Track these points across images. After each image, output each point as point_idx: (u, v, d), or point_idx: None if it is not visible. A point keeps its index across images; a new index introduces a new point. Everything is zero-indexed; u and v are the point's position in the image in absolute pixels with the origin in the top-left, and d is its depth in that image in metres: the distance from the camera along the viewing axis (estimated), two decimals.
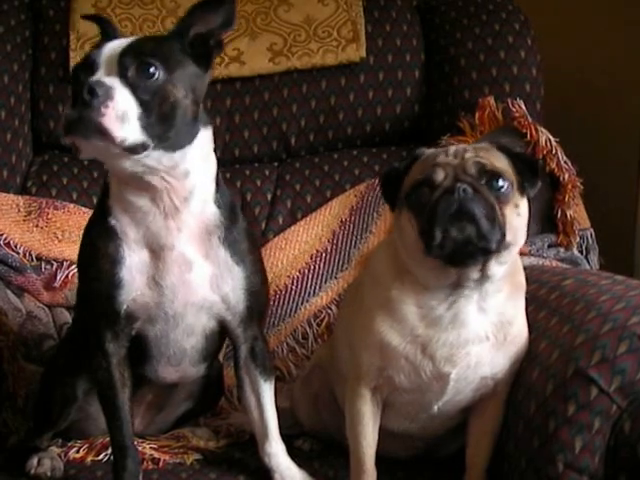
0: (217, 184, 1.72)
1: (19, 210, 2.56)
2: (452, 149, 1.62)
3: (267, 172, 2.79)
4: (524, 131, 2.46)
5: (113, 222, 1.67)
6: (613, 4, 3.08)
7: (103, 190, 1.73)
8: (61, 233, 2.54)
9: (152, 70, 1.55)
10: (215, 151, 1.73)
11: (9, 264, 2.42)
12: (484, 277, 1.58)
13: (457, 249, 1.53)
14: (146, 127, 1.52)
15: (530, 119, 2.48)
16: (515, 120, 2.50)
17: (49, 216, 2.56)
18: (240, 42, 2.76)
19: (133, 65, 1.54)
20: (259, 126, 2.80)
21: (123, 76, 1.54)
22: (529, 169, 1.61)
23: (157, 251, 1.67)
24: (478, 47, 2.72)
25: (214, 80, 2.74)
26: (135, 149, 1.53)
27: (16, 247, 2.47)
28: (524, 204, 1.60)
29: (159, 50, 1.59)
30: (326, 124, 2.79)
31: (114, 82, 1.52)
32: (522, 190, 1.59)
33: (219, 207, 1.71)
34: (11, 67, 2.74)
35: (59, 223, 2.55)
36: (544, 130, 2.46)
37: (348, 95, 2.78)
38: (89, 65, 1.57)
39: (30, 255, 2.49)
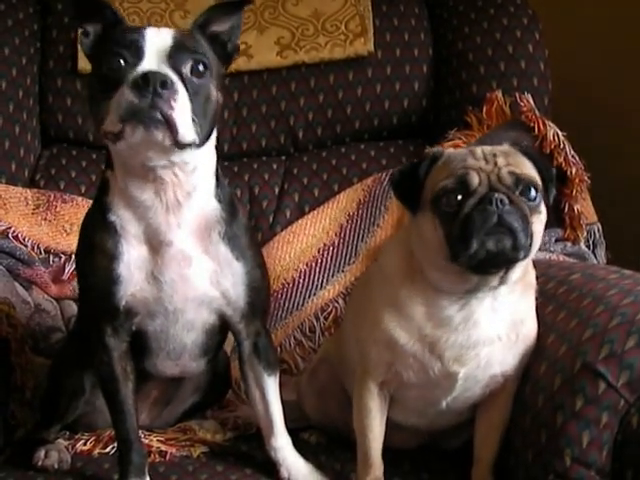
0: (217, 179, 1.71)
1: (27, 203, 2.57)
2: (478, 151, 1.57)
3: (275, 166, 2.79)
4: (532, 125, 2.45)
5: (113, 218, 1.66)
6: None
7: (101, 187, 1.72)
8: (69, 226, 2.54)
9: (202, 69, 1.56)
10: (216, 145, 1.72)
11: (17, 257, 2.43)
12: (502, 282, 1.58)
13: (488, 259, 1.51)
14: (195, 125, 1.52)
15: (538, 113, 2.48)
16: (523, 114, 2.49)
17: (57, 209, 2.57)
18: (248, 36, 2.76)
19: (188, 62, 1.54)
20: (267, 120, 2.81)
21: (177, 71, 1.53)
22: (550, 177, 1.60)
23: (156, 247, 1.66)
24: (486, 41, 2.72)
25: None
26: (185, 145, 1.53)
27: (24, 240, 2.48)
28: (544, 210, 1.58)
29: (203, 47, 1.60)
30: (334, 118, 2.79)
31: (174, 76, 1.51)
32: (544, 197, 1.58)
33: (220, 202, 1.70)
34: (19, 60, 2.74)
35: (67, 216, 2.56)
36: (552, 124, 2.45)
37: (356, 89, 2.78)
38: (133, 49, 1.54)
39: (38, 248, 2.50)
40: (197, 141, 1.54)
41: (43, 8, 2.86)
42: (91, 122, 1.62)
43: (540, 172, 1.59)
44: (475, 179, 1.52)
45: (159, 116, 1.48)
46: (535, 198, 1.54)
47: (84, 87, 2.73)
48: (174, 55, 1.54)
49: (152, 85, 1.47)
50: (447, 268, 1.56)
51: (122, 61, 1.53)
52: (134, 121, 1.48)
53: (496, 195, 1.50)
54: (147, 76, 1.48)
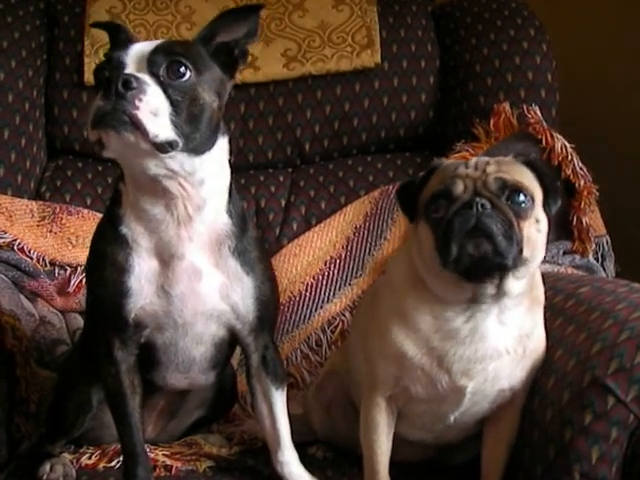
0: (230, 194, 1.71)
1: (33, 215, 2.56)
2: (473, 161, 1.60)
3: (281, 178, 2.79)
4: (539, 137, 2.45)
5: (124, 231, 1.66)
6: (630, 6, 3.07)
7: (113, 198, 1.72)
8: (75, 238, 2.54)
9: (182, 70, 1.55)
10: (229, 160, 1.72)
11: (23, 269, 2.42)
12: (501, 293, 1.57)
13: (473, 265, 1.51)
14: (176, 126, 1.51)
15: (545, 125, 2.47)
16: (530, 126, 2.48)
17: (63, 221, 2.56)
18: (254, 48, 2.75)
19: (164, 63, 1.54)
20: (273, 132, 2.81)
21: (154, 74, 1.53)
22: (552, 187, 1.59)
23: (167, 260, 1.66)
24: (493, 53, 2.72)
25: None
26: (164, 147, 1.52)
27: (30, 252, 2.47)
28: (545, 220, 1.58)
29: (188, 52, 1.59)
30: (340, 130, 2.79)
31: (146, 77, 1.51)
32: (545, 207, 1.58)
33: (231, 216, 1.70)
34: (26, 72, 2.75)
35: (73, 228, 2.56)
36: (560, 136, 2.45)
37: (362, 101, 2.78)
38: (115, 64, 1.55)
39: (44, 260, 2.49)
40: (179, 141, 1.53)
41: (50, 21, 2.87)
42: None
43: (542, 183, 1.59)
44: (460, 186, 1.55)
45: (124, 117, 1.47)
46: (524, 202, 1.54)
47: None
48: (151, 60, 1.54)
49: (114, 86, 1.47)
50: (442, 276, 1.56)
51: (106, 73, 1.54)
52: (103, 126, 1.49)
53: (477, 199, 1.51)
54: (110, 78, 1.49)
